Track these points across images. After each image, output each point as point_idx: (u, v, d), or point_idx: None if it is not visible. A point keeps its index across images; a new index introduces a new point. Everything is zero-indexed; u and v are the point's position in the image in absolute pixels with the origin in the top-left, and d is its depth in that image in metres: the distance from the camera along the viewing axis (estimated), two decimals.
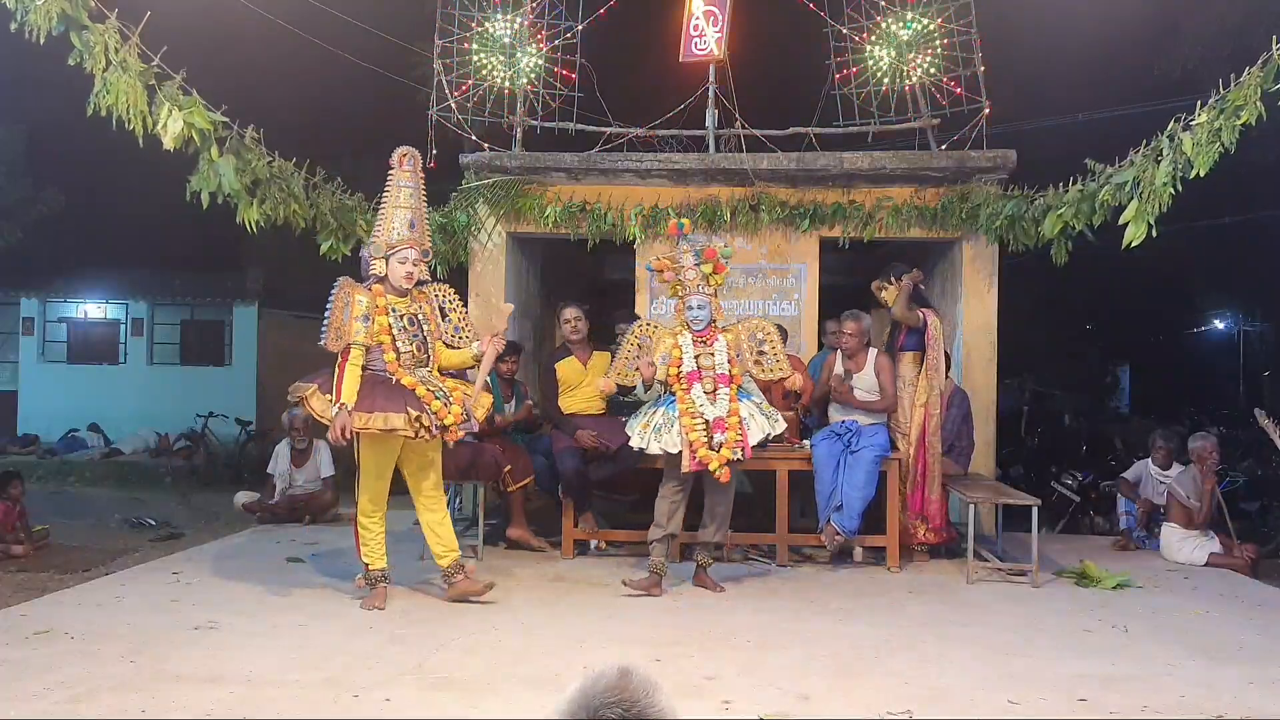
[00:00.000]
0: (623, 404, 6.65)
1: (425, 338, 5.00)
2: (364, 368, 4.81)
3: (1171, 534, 6.55)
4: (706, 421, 5.20)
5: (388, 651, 4.26)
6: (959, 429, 6.49)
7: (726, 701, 3.70)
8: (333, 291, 4.81)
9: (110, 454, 14.36)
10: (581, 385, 6.34)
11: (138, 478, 12.13)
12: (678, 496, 5.40)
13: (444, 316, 5.17)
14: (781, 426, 5.51)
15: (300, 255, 11.49)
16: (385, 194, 5.02)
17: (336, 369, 4.79)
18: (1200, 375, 19.89)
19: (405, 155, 5.04)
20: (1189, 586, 5.79)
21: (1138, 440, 10.45)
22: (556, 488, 6.30)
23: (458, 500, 6.77)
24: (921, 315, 6.21)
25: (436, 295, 5.19)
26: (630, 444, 5.42)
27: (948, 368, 6.48)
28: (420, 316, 5.02)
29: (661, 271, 5.58)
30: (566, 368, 6.34)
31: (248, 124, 5.66)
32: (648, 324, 5.65)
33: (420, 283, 5.10)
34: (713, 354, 5.38)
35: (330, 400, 4.74)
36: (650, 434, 5.33)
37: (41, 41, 4.76)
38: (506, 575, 5.74)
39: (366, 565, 5.02)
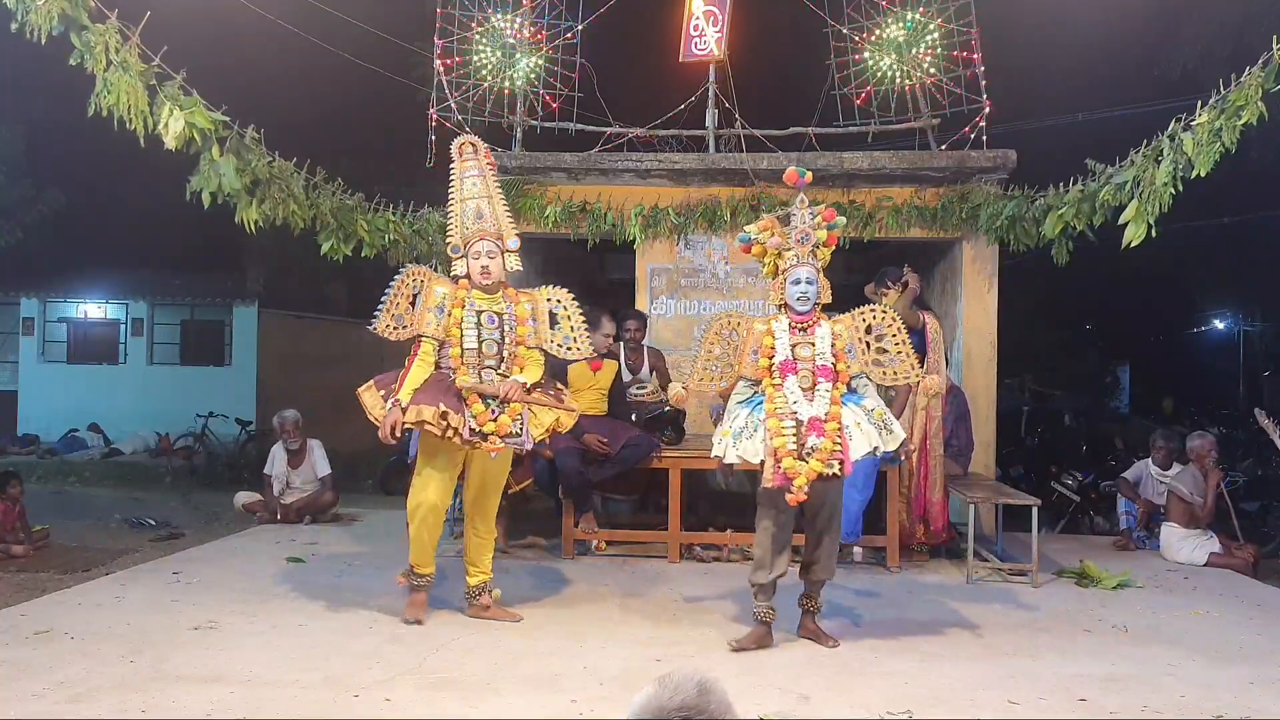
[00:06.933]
0: (624, 406, 6.66)
1: (503, 338, 4.64)
2: (437, 364, 4.59)
3: (1171, 534, 6.55)
4: (799, 423, 4.20)
5: (388, 651, 4.26)
6: (955, 428, 6.48)
7: None
8: (397, 276, 4.60)
9: (110, 454, 14.37)
10: (586, 389, 6.34)
11: (138, 478, 12.11)
12: (775, 526, 4.37)
13: (554, 323, 4.78)
14: (897, 440, 4.38)
15: (300, 255, 11.53)
16: (450, 189, 4.75)
17: (406, 362, 4.58)
18: (1200, 375, 19.91)
19: (463, 145, 4.75)
20: (1189, 586, 5.79)
21: (1138, 440, 10.46)
22: (556, 488, 6.31)
23: (457, 500, 6.75)
24: (921, 317, 6.22)
25: (550, 299, 4.81)
26: (715, 454, 4.40)
27: (946, 368, 6.49)
28: (506, 316, 4.66)
29: (768, 232, 4.45)
30: (576, 370, 6.33)
31: (248, 124, 5.65)
32: (729, 316, 4.54)
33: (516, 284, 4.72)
34: (813, 343, 4.35)
35: (382, 396, 4.49)
36: (729, 440, 4.33)
37: (42, 42, 4.76)
38: (506, 575, 5.74)
39: (412, 566, 4.72)
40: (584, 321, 4.84)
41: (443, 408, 4.39)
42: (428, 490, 4.63)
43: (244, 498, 8.24)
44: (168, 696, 3.66)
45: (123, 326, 16.82)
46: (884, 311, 4.52)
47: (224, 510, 8.82)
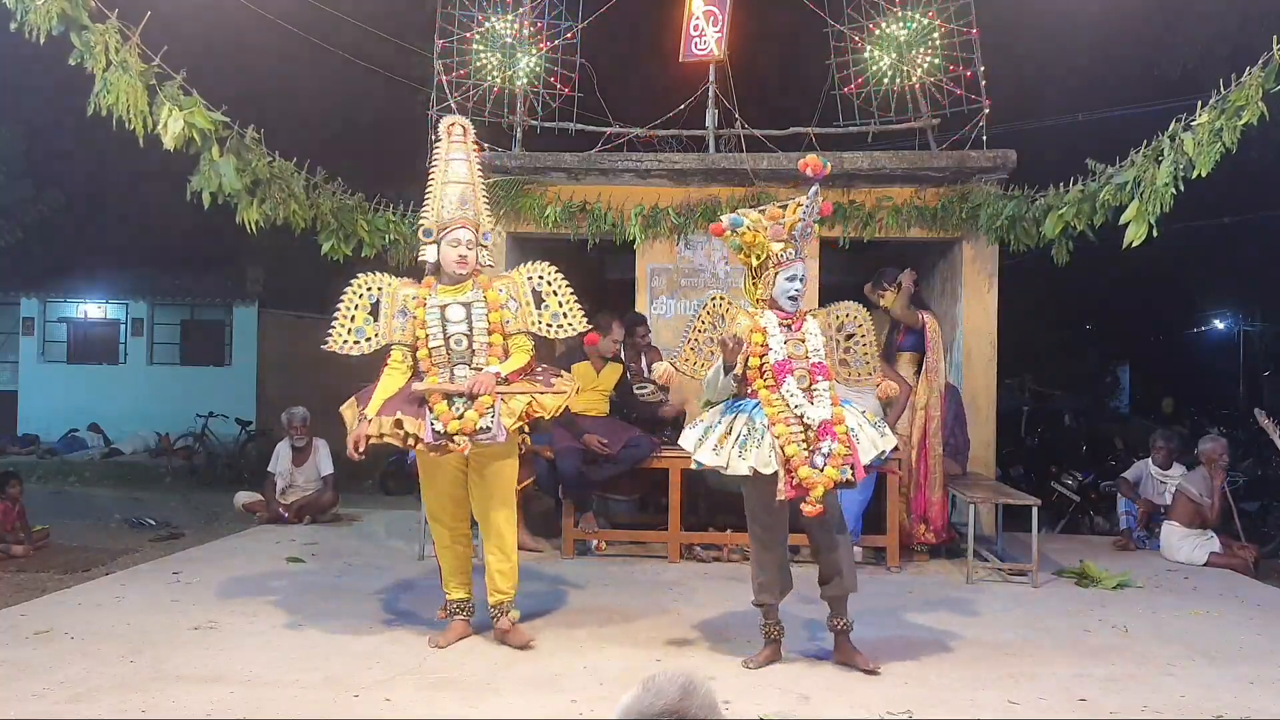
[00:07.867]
0: (624, 406, 6.66)
1: (472, 329, 4.26)
2: (416, 371, 4.31)
3: (1172, 532, 6.55)
4: (806, 427, 3.90)
5: (388, 651, 4.27)
6: (951, 427, 6.49)
7: (726, 701, 3.69)
8: (347, 288, 4.34)
9: (110, 454, 14.38)
10: (588, 390, 6.34)
11: (138, 478, 12.12)
12: (773, 541, 4.16)
13: (540, 302, 4.38)
14: (892, 442, 4.20)
15: (300, 255, 11.51)
16: (432, 169, 4.41)
17: (379, 373, 4.34)
18: (1200, 375, 19.89)
19: (453, 125, 4.43)
20: (1189, 586, 5.79)
21: (1138, 440, 10.46)
22: (557, 488, 6.31)
23: None
24: (920, 317, 6.21)
25: (532, 278, 4.39)
26: (703, 462, 4.04)
27: (946, 368, 6.49)
28: (474, 305, 4.28)
29: (772, 222, 4.12)
30: (580, 370, 6.33)
31: (248, 124, 5.66)
32: (723, 297, 4.29)
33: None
34: (803, 340, 4.07)
35: (360, 413, 4.22)
36: (732, 448, 3.93)
37: (41, 42, 4.77)
38: None
39: (445, 594, 4.51)
40: (572, 295, 4.41)
41: (398, 415, 4.09)
42: (435, 506, 4.46)
43: (244, 498, 8.24)
44: (168, 696, 3.66)
45: (123, 326, 16.83)
46: (857, 310, 4.29)
47: (224, 510, 8.82)
